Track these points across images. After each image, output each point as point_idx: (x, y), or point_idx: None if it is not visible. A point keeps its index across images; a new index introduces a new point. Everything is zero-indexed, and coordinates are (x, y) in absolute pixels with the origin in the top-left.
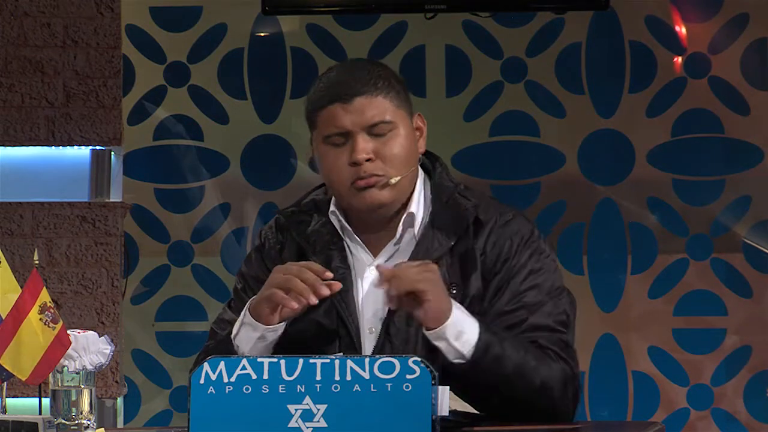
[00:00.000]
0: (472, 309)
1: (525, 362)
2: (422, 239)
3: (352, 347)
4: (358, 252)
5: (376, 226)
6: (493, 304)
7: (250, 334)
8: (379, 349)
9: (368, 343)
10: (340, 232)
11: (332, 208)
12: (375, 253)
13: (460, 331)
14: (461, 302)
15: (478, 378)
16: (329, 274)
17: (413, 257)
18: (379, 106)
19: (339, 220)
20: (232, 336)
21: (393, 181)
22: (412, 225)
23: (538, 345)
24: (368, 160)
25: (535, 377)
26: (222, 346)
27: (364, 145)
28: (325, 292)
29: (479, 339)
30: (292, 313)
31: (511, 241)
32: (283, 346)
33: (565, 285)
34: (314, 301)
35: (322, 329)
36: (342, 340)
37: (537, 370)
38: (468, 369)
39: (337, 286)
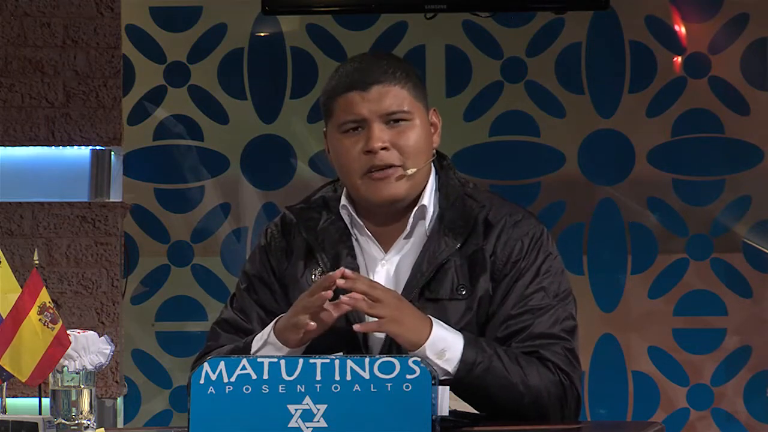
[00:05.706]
0: (481, 310)
1: (513, 378)
2: (429, 240)
3: (357, 345)
4: (369, 247)
5: (387, 220)
6: (501, 306)
7: (272, 353)
8: (387, 348)
9: (377, 341)
10: (350, 228)
11: (343, 202)
12: (386, 248)
13: (443, 350)
14: (469, 304)
15: (464, 392)
16: (341, 281)
17: (421, 257)
18: (396, 96)
19: (350, 214)
20: (252, 353)
21: (410, 171)
22: (423, 218)
23: (539, 356)
24: (384, 149)
25: (525, 393)
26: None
27: (380, 134)
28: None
29: (462, 357)
30: (317, 334)
31: (522, 243)
32: None
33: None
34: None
35: (330, 328)
36: (348, 338)
37: (527, 386)
38: (454, 384)
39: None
